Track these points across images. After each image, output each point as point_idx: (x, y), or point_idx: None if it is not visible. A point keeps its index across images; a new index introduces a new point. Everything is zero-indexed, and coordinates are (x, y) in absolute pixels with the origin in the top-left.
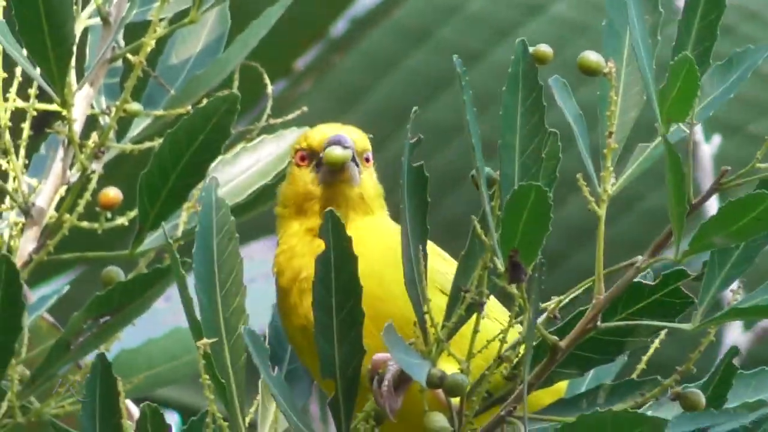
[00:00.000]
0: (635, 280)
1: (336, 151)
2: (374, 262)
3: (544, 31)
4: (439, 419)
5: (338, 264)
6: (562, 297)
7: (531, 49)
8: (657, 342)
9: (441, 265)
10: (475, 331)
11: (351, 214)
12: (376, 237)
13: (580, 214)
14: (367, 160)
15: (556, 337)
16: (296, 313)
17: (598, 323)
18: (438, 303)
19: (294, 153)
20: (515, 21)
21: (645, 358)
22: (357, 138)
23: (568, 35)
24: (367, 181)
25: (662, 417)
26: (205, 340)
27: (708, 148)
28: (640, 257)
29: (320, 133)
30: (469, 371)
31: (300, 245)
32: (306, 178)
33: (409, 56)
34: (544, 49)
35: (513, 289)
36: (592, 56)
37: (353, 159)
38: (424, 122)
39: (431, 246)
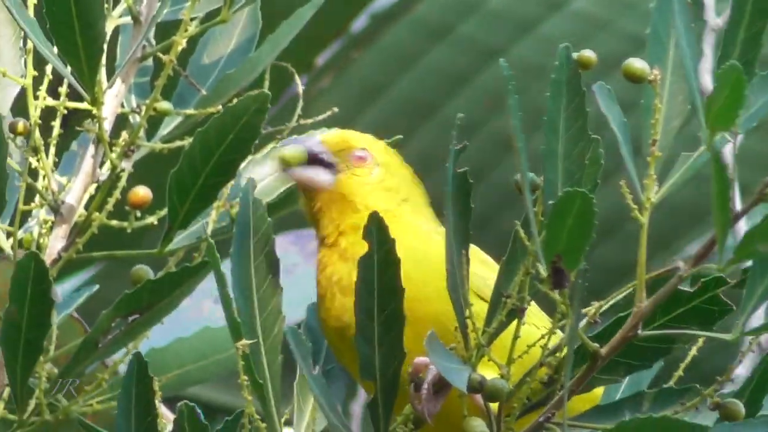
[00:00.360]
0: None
1: (283, 150)
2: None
3: (565, 27)
4: (479, 424)
5: (381, 266)
6: (602, 302)
7: (575, 55)
8: (694, 350)
9: (480, 269)
10: (516, 336)
11: (337, 216)
12: (398, 237)
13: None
14: (361, 158)
15: (596, 345)
16: (330, 315)
17: (639, 331)
18: (475, 308)
19: None
20: (536, 17)
21: (683, 366)
22: (329, 137)
23: (589, 31)
24: (352, 180)
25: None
26: (244, 341)
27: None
28: (681, 263)
29: None
30: (509, 377)
31: (325, 256)
32: (301, 201)
33: (429, 52)
34: (589, 54)
35: (555, 294)
36: (636, 63)
37: (319, 161)
38: (442, 118)
39: (473, 250)
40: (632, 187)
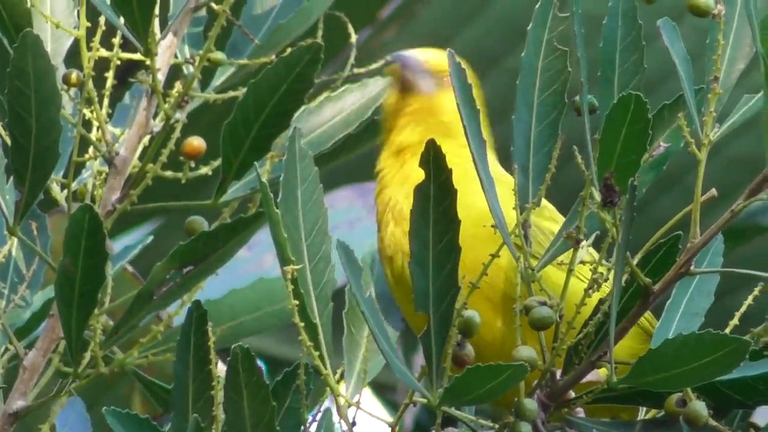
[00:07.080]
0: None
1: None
2: (470, 195)
3: None
4: (528, 352)
5: (437, 195)
6: (650, 243)
7: None
8: (750, 299)
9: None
10: (570, 269)
11: (423, 129)
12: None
13: None
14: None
15: (648, 279)
16: (383, 243)
17: (692, 267)
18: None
19: None
20: None
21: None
22: (431, 57)
23: None
24: (449, 98)
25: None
26: (292, 266)
27: None
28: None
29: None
30: (558, 309)
31: (388, 173)
32: (390, 100)
33: (492, 3)
34: None
35: (605, 215)
36: None
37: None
38: (507, 69)
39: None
40: (691, 124)
